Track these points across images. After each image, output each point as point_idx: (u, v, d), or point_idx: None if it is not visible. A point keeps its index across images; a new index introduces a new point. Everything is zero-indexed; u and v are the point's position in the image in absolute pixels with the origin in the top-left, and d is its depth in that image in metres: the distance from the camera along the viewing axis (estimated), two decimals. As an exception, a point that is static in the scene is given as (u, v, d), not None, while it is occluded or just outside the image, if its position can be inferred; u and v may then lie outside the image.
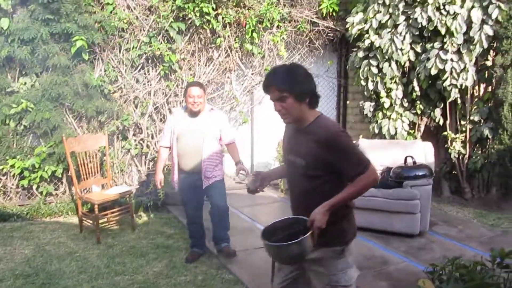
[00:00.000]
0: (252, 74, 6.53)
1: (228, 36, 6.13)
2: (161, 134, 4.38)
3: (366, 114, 6.29)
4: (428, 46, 5.61)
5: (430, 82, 5.76)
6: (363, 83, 6.04)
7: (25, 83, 5.41)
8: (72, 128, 5.58)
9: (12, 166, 5.30)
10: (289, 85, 2.03)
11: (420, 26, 5.55)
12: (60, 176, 5.49)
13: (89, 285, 3.58)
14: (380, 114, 6.07)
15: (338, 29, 6.71)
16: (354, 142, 2.19)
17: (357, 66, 6.10)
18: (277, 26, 6.39)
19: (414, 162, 4.86)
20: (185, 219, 4.95)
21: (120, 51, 5.78)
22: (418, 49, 5.72)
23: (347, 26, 6.19)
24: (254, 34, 6.13)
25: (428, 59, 5.50)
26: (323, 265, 2.14)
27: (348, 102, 7.39)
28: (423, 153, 5.11)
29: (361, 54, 5.99)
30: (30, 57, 5.27)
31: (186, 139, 3.89)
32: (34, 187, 5.46)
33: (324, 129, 2.07)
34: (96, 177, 5.04)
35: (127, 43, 5.79)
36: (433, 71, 5.46)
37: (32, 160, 5.32)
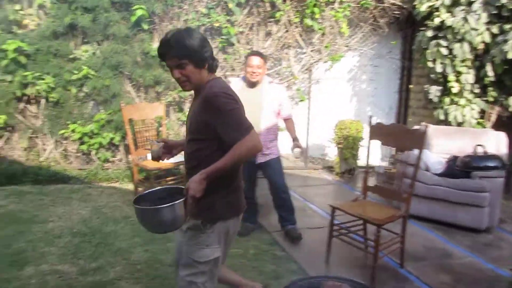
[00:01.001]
0: (312, 51, 6.31)
1: (288, 10, 5.93)
2: None
3: (431, 99, 5.90)
4: (507, 27, 5.15)
5: (506, 67, 5.31)
6: (430, 65, 5.65)
7: (87, 51, 5.51)
8: (131, 96, 5.65)
9: (73, 131, 5.45)
10: (188, 51, 1.90)
11: (498, 4, 5.10)
12: (117, 143, 5.58)
13: (143, 248, 3.60)
14: (447, 100, 5.68)
15: (405, 6, 6.33)
16: (235, 105, 1.96)
17: (424, 47, 5.71)
18: (340, 1, 6.11)
19: (485, 152, 4.51)
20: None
21: (178, 22, 5.74)
22: (495, 30, 5.26)
23: (415, 3, 5.81)
24: (315, 9, 5.89)
25: (506, 41, 5.04)
26: (186, 235, 2.05)
27: (411, 86, 7.01)
28: (495, 143, 4.72)
29: (429, 33, 5.60)
30: (91, 25, 5.34)
31: (246, 112, 3.74)
32: (93, 152, 5.59)
33: (208, 89, 1.94)
34: (152, 146, 5.06)
35: (186, 14, 5.74)
36: (510, 55, 5.02)
37: (92, 126, 5.44)
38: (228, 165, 1.88)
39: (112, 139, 5.50)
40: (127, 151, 5.66)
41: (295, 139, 3.83)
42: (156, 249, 3.59)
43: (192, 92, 2.06)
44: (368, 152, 3.72)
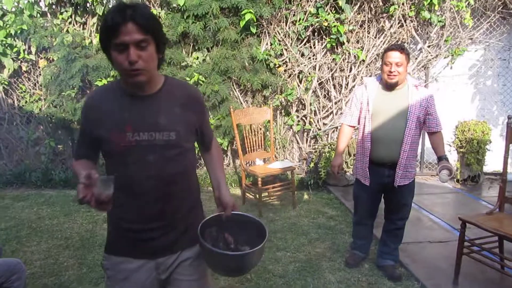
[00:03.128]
0: (429, 46, 5.78)
1: (403, 3, 5.49)
2: (345, 109, 3.54)
3: None
4: None
5: None
6: None
7: (197, 58, 5.66)
8: (238, 101, 5.68)
9: (184, 135, 5.64)
10: (154, 27, 1.46)
11: None
12: (225, 148, 5.65)
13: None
14: None
15: (544, -10, 5.49)
16: None
17: None
18: (463, -10, 5.50)
19: None
20: (347, 201, 4.64)
21: (286, 24, 5.64)
22: None
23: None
24: (434, 0, 5.36)
25: None
26: (190, 269, 1.70)
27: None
28: None
29: None
30: (202, 32, 5.47)
31: (383, 120, 3.04)
32: (202, 157, 5.73)
33: (185, 88, 1.67)
34: (259, 151, 5.02)
35: (294, 15, 5.61)
36: None
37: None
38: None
39: (220, 144, 5.57)
40: (234, 156, 5.70)
41: (442, 157, 2.99)
42: (265, 258, 3.49)
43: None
44: (506, 157, 3.21)
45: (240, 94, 5.73)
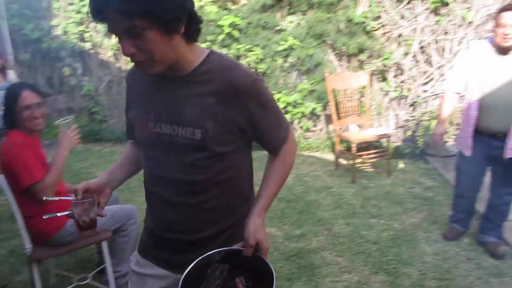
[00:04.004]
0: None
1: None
2: (450, 74, 3.34)
3: None
4: None
5: None
6: None
7: (292, 22, 5.61)
8: (333, 66, 5.57)
9: (278, 100, 5.70)
10: (147, 5, 1.02)
11: None
12: (318, 113, 5.62)
13: (344, 221, 3.54)
14: None
15: None
16: (271, 93, 1.31)
17: None
18: None
19: None
20: (446, 173, 4.42)
21: (386, -16, 5.33)
22: None
23: None
24: None
25: None
26: None
27: None
28: None
29: None
30: (298, -5, 5.38)
31: (495, 87, 2.81)
32: (296, 122, 5.76)
33: (230, 73, 1.20)
34: (353, 116, 4.92)
35: (396, -26, 5.28)
36: None
37: (295, 96, 5.58)
38: (280, 186, 1.35)
39: (314, 109, 5.55)
40: (328, 121, 5.65)
41: None
42: (358, 224, 3.48)
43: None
44: None
45: (335, 58, 5.60)
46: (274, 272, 1.13)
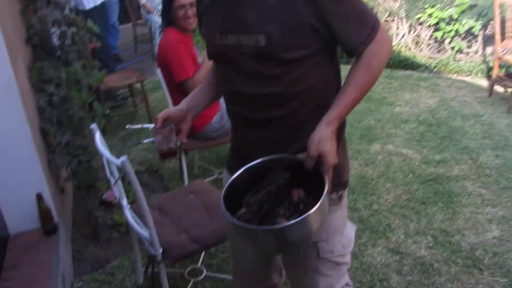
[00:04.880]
0: None
1: None
2: None
3: None
4: None
5: None
6: None
7: None
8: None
9: (430, 15, 5.12)
10: None
11: None
12: (476, 32, 4.94)
13: (493, 152, 3.20)
14: None
15: None
16: None
17: None
18: None
19: None
20: None
21: None
22: None
23: None
24: None
25: None
26: None
27: None
28: None
29: None
30: None
31: None
32: (447, 41, 5.17)
33: None
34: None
35: None
36: None
37: (451, 10, 4.94)
38: (363, 93, 1.11)
39: (471, 27, 4.88)
40: (486, 42, 4.96)
41: None
42: (510, 157, 3.12)
43: None
44: None
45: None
46: (326, 188, 0.99)
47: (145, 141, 1.42)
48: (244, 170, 1.12)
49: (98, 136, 1.83)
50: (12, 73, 1.96)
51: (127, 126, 1.59)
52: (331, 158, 1.04)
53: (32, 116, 2.17)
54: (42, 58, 2.52)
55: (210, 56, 1.25)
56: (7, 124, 1.99)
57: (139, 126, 1.65)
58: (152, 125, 1.18)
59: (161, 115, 1.24)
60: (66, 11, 2.78)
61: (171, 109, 1.27)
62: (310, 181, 1.05)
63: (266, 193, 1.05)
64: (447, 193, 2.73)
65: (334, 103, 1.10)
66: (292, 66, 1.08)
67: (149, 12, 5.43)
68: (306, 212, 0.94)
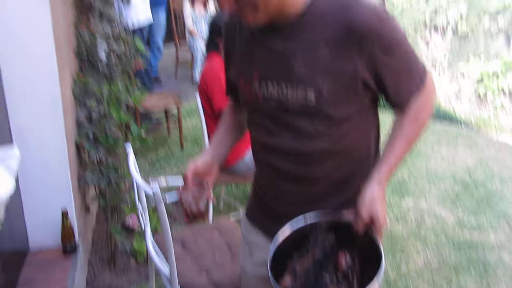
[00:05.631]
0: None
1: None
2: None
3: None
4: None
5: None
6: None
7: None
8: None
9: (473, 68, 5.04)
10: None
11: None
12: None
13: (533, 221, 3.03)
14: None
15: None
16: (403, 32, 1.02)
17: None
18: None
19: None
20: None
21: None
22: None
23: None
24: None
25: None
26: None
27: None
28: None
29: None
30: None
31: None
32: (489, 97, 5.05)
33: (347, 11, 0.95)
34: None
35: None
36: None
37: (496, 65, 4.84)
38: (412, 146, 1.08)
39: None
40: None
41: None
42: None
43: None
44: None
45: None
46: (383, 257, 0.92)
47: (169, 201, 1.36)
48: (290, 233, 1.03)
49: (132, 158, 1.81)
50: (59, 85, 1.99)
51: (151, 179, 1.59)
52: (382, 219, 0.97)
53: (70, 129, 2.17)
54: (87, 71, 2.56)
55: (243, 103, 1.17)
56: (45, 135, 2.01)
57: (163, 178, 1.63)
58: (177, 178, 1.09)
59: (190, 171, 1.13)
60: (117, 26, 2.83)
61: (198, 163, 1.17)
62: (352, 237, 0.99)
63: (312, 260, 0.99)
64: (482, 262, 2.58)
65: (383, 159, 1.05)
66: (340, 122, 1.02)
67: (194, 36, 5.52)
68: (355, 280, 0.92)
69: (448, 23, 5.04)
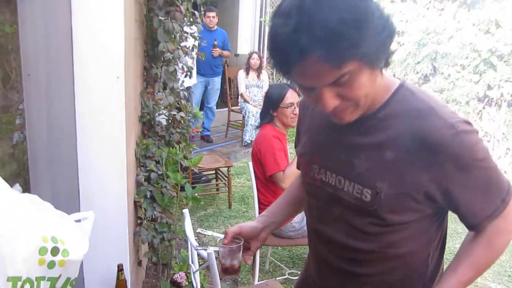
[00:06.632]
0: None
1: None
2: None
3: None
4: None
5: None
6: None
7: None
8: None
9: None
10: (359, 41, 0.74)
11: None
12: None
13: None
14: None
15: None
16: (487, 149, 0.89)
17: None
18: None
19: None
20: None
21: None
22: None
23: None
24: None
25: None
26: None
27: None
28: None
29: None
30: None
31: None
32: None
33: (421, 119, 0.87)
34: None
35: None
36: None
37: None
38: (481, 273, 0.97)
39: None
40: None
41: None
42: None
43: None
44: None
45: None
46: None
47: (211, 249, 1.50)
48: None
49: (188, 221, 1.91)
50: (125, 148, 2.14)
51: (198, 230, 1.70)
52: None
53: (130, 189, 2.32)
54: (149, 135, 2.77)
55: (303, 183, 1.17)
56: (110, 197, 2.14)
57: (209, 233, 1.78)
58: (221, 236, 1.17)
59: (232, 230, 1.15)
60: (178, 96, 3.06)
61: (244, 225, 1.18)
62: None
63: None
64: None
65: (444, 279, 0.96)
66: (395, 228, 0.96)
67: (245, 101, 5.80)
68: None
69: (501, 97, 5.00)
